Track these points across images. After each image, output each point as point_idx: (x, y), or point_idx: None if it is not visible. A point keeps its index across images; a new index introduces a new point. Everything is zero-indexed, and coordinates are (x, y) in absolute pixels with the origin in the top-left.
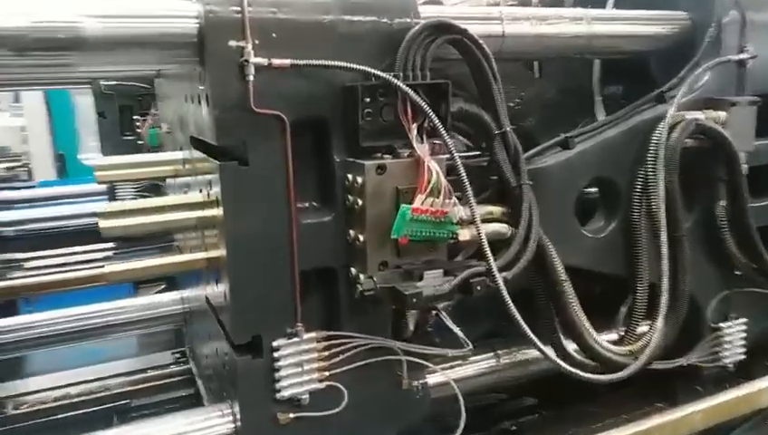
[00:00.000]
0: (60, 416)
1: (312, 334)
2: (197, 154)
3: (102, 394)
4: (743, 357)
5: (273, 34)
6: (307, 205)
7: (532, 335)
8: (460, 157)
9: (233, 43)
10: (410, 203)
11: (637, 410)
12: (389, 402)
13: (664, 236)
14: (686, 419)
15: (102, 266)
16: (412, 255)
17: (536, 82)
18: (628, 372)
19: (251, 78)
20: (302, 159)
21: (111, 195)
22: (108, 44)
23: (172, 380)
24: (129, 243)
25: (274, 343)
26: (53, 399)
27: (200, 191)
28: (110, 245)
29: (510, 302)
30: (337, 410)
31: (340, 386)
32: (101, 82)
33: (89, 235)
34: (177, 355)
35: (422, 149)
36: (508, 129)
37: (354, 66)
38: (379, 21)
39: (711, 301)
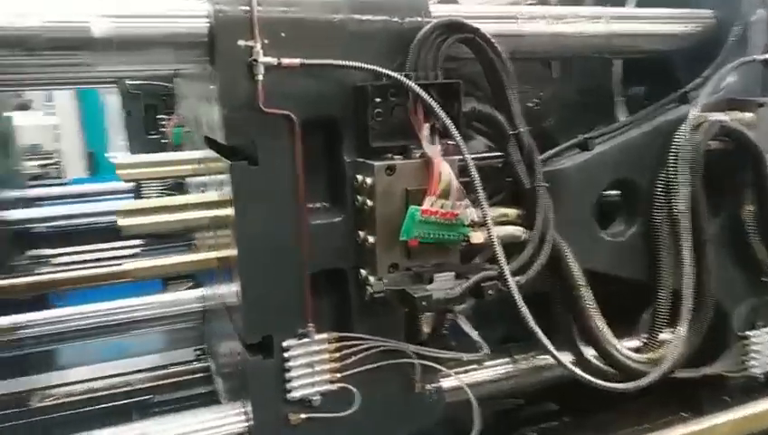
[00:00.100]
0: (82, 410)
1: (324, 335)
2: (211, 153)
3: (124, 389)
4: None
5: (283, 34)
6: (318, 205)
7: (545, 340)
8: (476, 158)
9: (242, 42)
10: (420, 204)
11: (659, 419)
12: (402, 405)
13: (687, 241)
14: (713, 429)
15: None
16: (423, 257)
17: (555, 82)
18: (648, 381)
19: (260, 77)
20: (313, 159)
21: (137, 193)
22: (119, 44)
23: (193, 377)
24: (158, 240)
25: (285, 344)
26: (78, 392)
27: (215, 190)
28: (138, 242)
29: (523, 306)
30: (349, 411)
31: (352, 388)
32: (127, 82)
33: (117, 232)
34: (199, 352)
35: (432, 149)
36: (522, 129)
37: (364, 66)
38: (389, 20)
39: (737, 308)
